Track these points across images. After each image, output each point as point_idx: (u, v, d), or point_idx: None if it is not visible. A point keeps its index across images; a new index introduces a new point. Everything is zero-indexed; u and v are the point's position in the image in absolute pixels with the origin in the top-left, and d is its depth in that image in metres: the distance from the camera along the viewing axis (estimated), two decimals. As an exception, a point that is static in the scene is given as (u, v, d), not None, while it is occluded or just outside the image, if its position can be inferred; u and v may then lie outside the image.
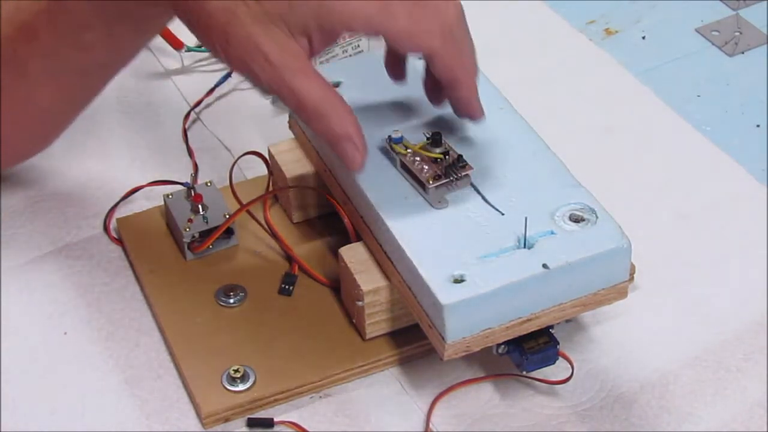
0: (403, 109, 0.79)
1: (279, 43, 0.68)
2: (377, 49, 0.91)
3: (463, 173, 0.73)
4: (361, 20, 0.68)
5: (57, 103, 0.79)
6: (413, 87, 0.79)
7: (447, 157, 0.74)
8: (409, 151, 0.74)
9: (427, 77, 0.76)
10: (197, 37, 0.70)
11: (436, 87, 0.76)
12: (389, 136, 0.75)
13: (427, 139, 0.75)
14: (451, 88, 0.73)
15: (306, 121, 0.70)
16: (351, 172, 0.75)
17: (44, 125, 0.81)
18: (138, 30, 0.76)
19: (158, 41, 0.94)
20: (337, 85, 0.80)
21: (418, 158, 0.74)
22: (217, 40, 0.69)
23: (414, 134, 0.76)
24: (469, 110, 0.74)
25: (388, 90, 0.79)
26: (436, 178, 0.73)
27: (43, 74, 0.76)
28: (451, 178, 0.73)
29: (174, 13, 0.71)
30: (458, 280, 0.69)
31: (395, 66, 0.77)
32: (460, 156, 0.74)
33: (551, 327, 0.72)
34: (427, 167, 0.73)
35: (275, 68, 0.68)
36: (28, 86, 0.77)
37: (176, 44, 0.94)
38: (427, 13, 0.69)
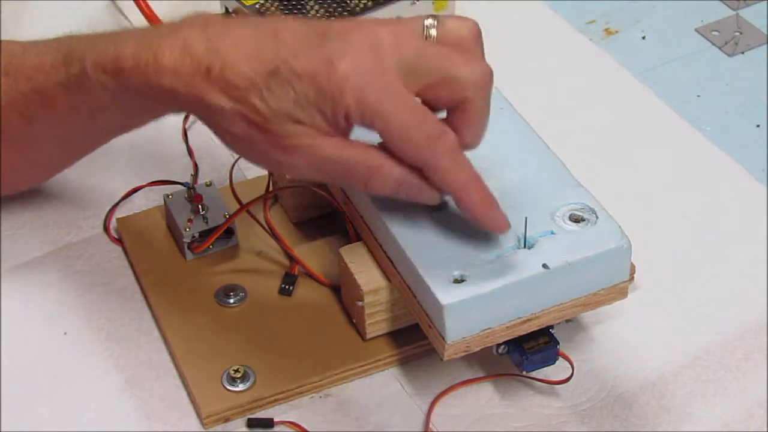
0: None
1: (298, 131, 0.67)
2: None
3: None
4: (358, 113, 0.66)
5: (58, 154, 0.80)
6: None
7: None
8: None
9: None
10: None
11: None
12: None
13: None
14: (458, 204, 0.69)
15: (359, 184, 0.68)
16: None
17: (43, 169, 0.82)
18: (155, 116, 0.76)
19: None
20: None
21: None
22: (242, 142, 0.69)
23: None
24: (479, 224, 0.70)
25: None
26: None
27: (49, 134, 0.77)
28: None
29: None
30: (458, 280, 0.69)
31: None
32: None
33: (551, 327, 0.72)
34: None
35: (299, 155, 0.67)
36: (34, 140, 0.77)
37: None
38: (424, 122, 0.67)
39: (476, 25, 0.70)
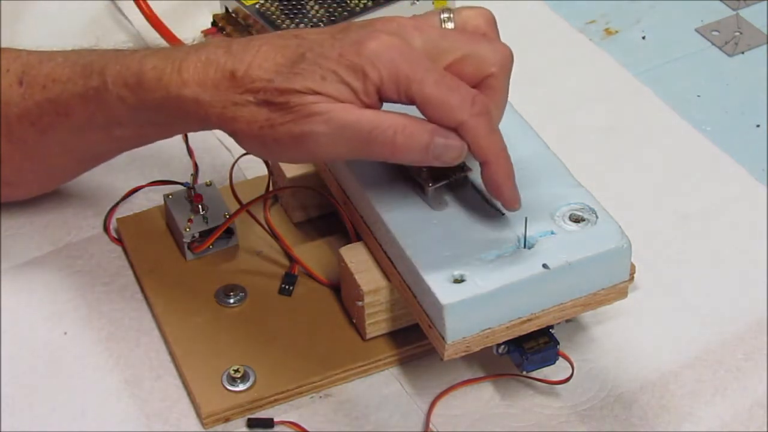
0: (404, 109, 0.79)
1: (327, 110, 0.67)
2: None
3: (462, 174, 0.73)
4: (392, 84, 0.66)
5: (69, 165, 0.80)
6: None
7: None
8: None
9: None
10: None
11: None
12: None
13: None
14: (482, 168, 0.69)
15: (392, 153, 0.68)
16: (350, 173, 0.75)
17: (50, 178, 0.82)
18: (171, 132, 0.76)
19: (159, 41, 0.94)
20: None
21: None
22: (273, 145, 0.69)
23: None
24: (501, 196, 0.70)
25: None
26: (435, 179, 0.73)
27: (62, 145, 0.77)
28: (450, 179, 0.73)
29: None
30: (458, 280, 0.69)
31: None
32: None
33: (551, 327, 0.72)
34: (425, 169, 0.73)
35: (329, 136, 0.67)
36: (47, 149, 0.77)
37: (176, 44, 0.94)
38: (459, 86, 0.67)
39: (490, 12, 0.72)
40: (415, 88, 0.67)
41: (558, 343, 0.72)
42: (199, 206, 0.80)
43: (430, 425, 0.72)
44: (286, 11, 0.93)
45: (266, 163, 0.82)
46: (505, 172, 0.69)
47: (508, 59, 0.70)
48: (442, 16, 0.70)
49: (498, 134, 0.69)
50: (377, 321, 0.74)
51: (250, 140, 0.69)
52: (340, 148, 0.68)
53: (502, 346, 0.71)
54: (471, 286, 0.68)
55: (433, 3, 0.95)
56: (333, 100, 0.67)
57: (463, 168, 0.73)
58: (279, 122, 0.67)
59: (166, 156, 0.89)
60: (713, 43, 0.99)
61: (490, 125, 0.68)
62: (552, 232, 0.71)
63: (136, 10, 0.96)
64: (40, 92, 0.75)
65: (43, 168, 0.80)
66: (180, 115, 0.71)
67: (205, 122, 0.70)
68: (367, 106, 0.67)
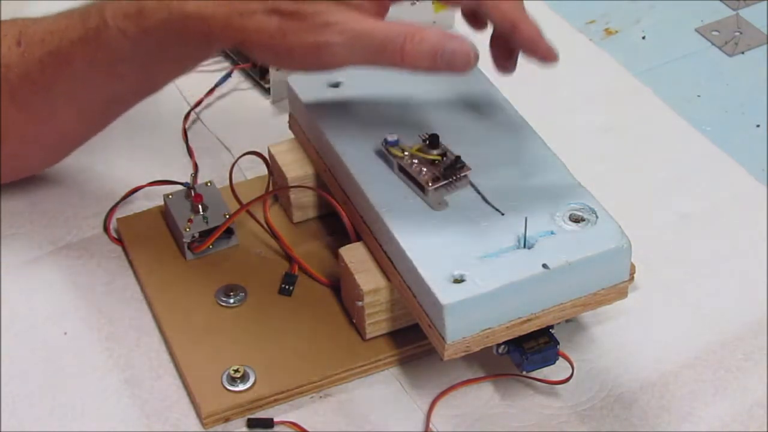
0: (403, 109, 0.79)
1: (338, 25, 0.68)
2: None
3: (462, 174, 0.73)
4: None
5: (77, 125, 0.80)
6: (414, 87, 0.79)
7: (445, 158, 0.74)
8: (406, 153, 0.74)
9: (493, 47, 0.75)
10: (285, 68, 0.71)
11: (503, 54, 0.74)
12: (385, 139, 0.75)
13: (424, 141, 0.75)
14: (513, 33, 0.71)
15: (400, 55, 0.68)
16: (350, 173, 0.75)
17: (60, 144, 0.82)
18: (174, 65, 0.76)
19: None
20: (336, 85, 0.80)
21: (415, 161, 0.74)
22: (309, 62, 0.69)
23: (415, 134, 0.75)
24: (539, 50, 0.71)
25: (388, 91, 0.79)
26: (435, 180, 0.73)
27: (67, 98, 0.77)
28: (450, 179, 0.73)
29: (221, 47, 0.71)
30: (458, 280, 0.69)
31: (502, 56, 0.75)
32: (458, 157, 0.74)
33: (551, 327, 0.72)
34: (425, 169, 0.73)
35: (338, 47, 0.67)
36: (50, 108, 0.77)
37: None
38: None
39: None
40: None
41: (558, 343, 0.72)
42: (199, 206, 0.80)
43: (430, 425, 0.72)
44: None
45: (266, 163, 0.83)
46: (535, 29, 0.70)
47: None
48: None
49: (521, 1, 0.70)
50: (377, 321, 0.74)
51: (260, 50, 0.70)
52: (355, 57, 0.69)
53: (502, 346, 0.71)
54: (471, 286, 0.68)
55: (432, 3, 0.95)
56: (346, 8, 0.67)
57: (462, 168, 0.73)
58: (291, 31, 0.67)
59: (166, 156, 0.89)
60: (713, 43, 0.99)
61: None
62: (552, 232, 0.71)
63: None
64: (39, 47, 0.75)
65: (52, 131, 0.79)
66: (184, 36, 0.70)
67: (210, 39, 0.70)
68: (377, 13, 0.69)
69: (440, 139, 0.74)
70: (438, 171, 0.73)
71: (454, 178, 0.73)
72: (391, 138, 0.75)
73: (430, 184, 0.73)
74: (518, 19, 0.70)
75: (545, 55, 0.71)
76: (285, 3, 0.67)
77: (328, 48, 0.68)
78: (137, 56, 0.73)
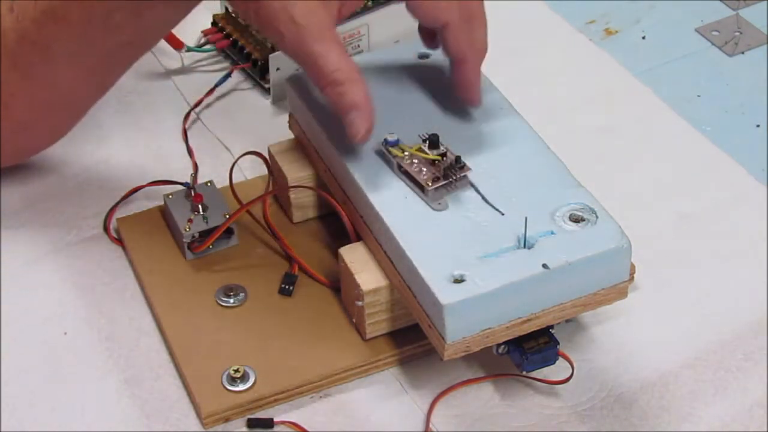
0: (403, 109, 0.79)
1: (307, 7, 0.69)
2: (377, 49, 0.91)
3: (462, 174, 0.73)
4: None
5: (80, 86, 0.79)
6: (413, 87, 0.80)
7: (445, 158, 0.74)
8: (406, 153, 0.74)
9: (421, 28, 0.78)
10: (231, 4, 0.72)
11: (430, 33, 0.77)
12: (385, 139, 0.75)
13: (424, 141, 0.75)
14: (457, 65, 0.74)
15: (320, 86, 0.71)
16: (350, 173, 0.75)
17: (65, 110, 0.81)
18: (167, 9, 0.76)
19: (160, 42, 0.94)
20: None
21: (416, 160, 0.74)
22: (250, 5, 0.70)
23: (415, 134, 0.75)
24: (469, 93, 0.76)
25: (387, 90, 0.80)
26: (435, 180, 0.73)
27: (67, 55, 0.76)
28: (450, 179, 0.73)
29: None
30: (458, 280, 0.69)
31: (429, 37, 0.78)
32: (458, 157, 0.74)
33: (551, 327, 0.72)
34: (425, 169, 0.73)
35: (300, 29, 0.69)
36: (52, 68, 0.77)
37: (176, 44, 0.94)
38: None
39: None
40: None
41: (558, 343, 0.72)
42: (199, 206, 0.80)
43: (430, 425, 0.72)
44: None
45: (266, 163, 0.83)
46: (477, 72, 0.75)
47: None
48: None
49: (480, 38, 0.73)
50: (377, 321, 0.74)
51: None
52: (289, 55, 0.72)
53: (502, 346, 0.71)
54: (471, 286, 0.68)
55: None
56: (324, 21, 0.70)
57: (462, 168, 0.73)
58: None
59: (166, 156, 0.89)
60: (713, 43, 0.99)
61: (472, 28, 0.72)
62: (552, 232, 0.71)
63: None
64: (33, 9, 0.75)
65: (57, 96, 0.79)
66: None
67: None
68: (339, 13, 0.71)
69: (440, 139, 0.74)
70: (438, 171, 0.73)
71: (454, 178, 0.73)
72: (391, 138, 0.75)
73: (430, 184, 0.73)
74: (467, 60, 0.74)
75: (473, 100, 0.76)
76: None
77: (277, 33, 0.70)
78: (130, 2, 0.73)
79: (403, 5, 0.74)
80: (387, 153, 0.75)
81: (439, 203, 0.73)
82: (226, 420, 0.73)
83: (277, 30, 0.70)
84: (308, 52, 0.70)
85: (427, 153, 0.74)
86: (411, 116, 0.78)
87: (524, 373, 0.72)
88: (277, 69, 0.90)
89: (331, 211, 0.80)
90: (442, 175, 0.73)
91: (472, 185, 0.74)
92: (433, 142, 0.74)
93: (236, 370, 0.73)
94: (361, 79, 0.71)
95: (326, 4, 0.70)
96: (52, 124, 0.82)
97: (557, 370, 0.73)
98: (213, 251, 0.81)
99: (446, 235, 0.71)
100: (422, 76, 0.81)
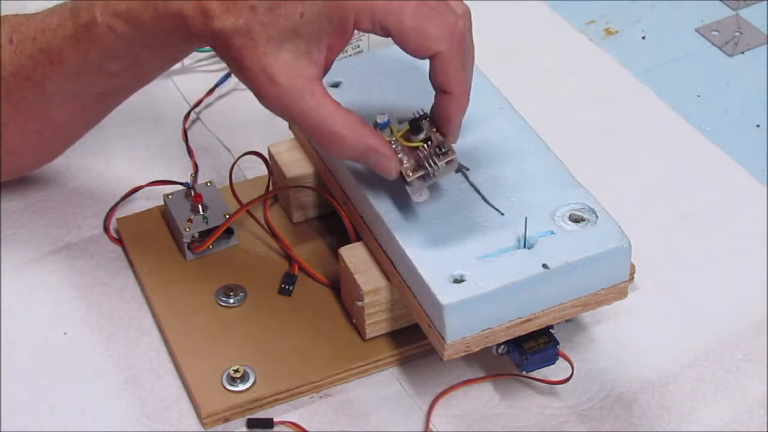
0: (403, 109, 0.79)
1: (288, 64, 0.67)
2: (377, 49, 0.91)
3: (445, 160, 0.70)
4: (367, 14, 0.66)
5: (71, 121, 0.80)
6: (413, 88, 0.79)
7: (428, 144, 0.71)
8: (392, 139, 0.72)
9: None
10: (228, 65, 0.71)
11: None
12: (375, 121, 0.72)
13: (408, 125, 0.72)
14: (440, 97, 0.70)
15: (323, 146, 0.69)
16: (350, 172, 0.75)
17: (55, 140, 0.81)
18: (164, 59, 0.76)
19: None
20: (336, 85, 0.80)
21: (399, 148, 0.71)
22: (234, 66, 0.69)
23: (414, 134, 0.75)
24: (447, 127, 0.71)
25: (387, 91, 0.79)
26: (416, 169, 0.71)
27: (61, 94, 0.77)
28: (431, 167, 0.70)
29: (204, 44, 0.71)
30: (458, 280, 0.69)
31: None
32: (441, 142, 0.71)
33: (551, 327, 0.72)
34: (405, 158, 0.71)
35: (281, 90, 0.68)
36: (45, 104, 0.77)
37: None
38: (437, 16, 0.67)
39: None
40: (390, 20, 0.67)
41: (558, 343, 0.72)
42: (199, 206, 0.80)
43: (430, 425, 0.72)
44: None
45: (266, 163, 0.83)
46: (462, 107, 0.70)
47: (462, 31, 0.69)
48: None
49: (468, 72, 0.70)
50: (377, 321, 0.74)
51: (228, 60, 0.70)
52: (281, 114, 0.70)
53: (502, 346, 0.71)
54: (471, 286, 0.68)
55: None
56: (306, 75, 0.68)
57: (445, 154, 0.70)
58: (267, 23, 0.67)
59: (166, 156, 0.89)
60: (713, 43, 0.99)
61: (463, 60, 0.69)
62: (552, 232, 0.71)
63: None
64: (31, 44, 0.75)
65: (48, 127, 0.79)
66: (171, 32, 0.70)
67: (190, 33, 0.69)
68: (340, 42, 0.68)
69: (423, 123, 0.71)
70: (419, 159, 0.70)
71: (435, 166, 0.70)
72: (381, 120, 0.72)
73: (411, 174, 0.70)
74: (454, 93, 0.69)
75: (451, 135, 0.71)
76: (257, 27, 0.67)
77: (259, 95, 0.69)
78: (128, 52, 0.73)
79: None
80: None
81: (420, 194, 0.72)
82: (226, 420, 0.73)
83: (261, 95, 0.69)
84: (297, 110, 0.68)
85: (409, 140, 0.71)
86: (411, 116, 0.78)
87: (524, 373, 0.72)
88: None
89: (331, 211, 0.80)
90: (422, 164, 0.70)
91: (472, 185, 0.74)
92: (415, 127, 0.71)
93: (236, 370, 0.73)
94: (359, 121, 0.69)
95: (310, 53, 0.68)
96: (43, 151, 0.82)
97: (557, 370, 0.73)
98: (213, 251, 0.81)
99: (446, 235, 0.71)
100: (422, 76, 0.81)
